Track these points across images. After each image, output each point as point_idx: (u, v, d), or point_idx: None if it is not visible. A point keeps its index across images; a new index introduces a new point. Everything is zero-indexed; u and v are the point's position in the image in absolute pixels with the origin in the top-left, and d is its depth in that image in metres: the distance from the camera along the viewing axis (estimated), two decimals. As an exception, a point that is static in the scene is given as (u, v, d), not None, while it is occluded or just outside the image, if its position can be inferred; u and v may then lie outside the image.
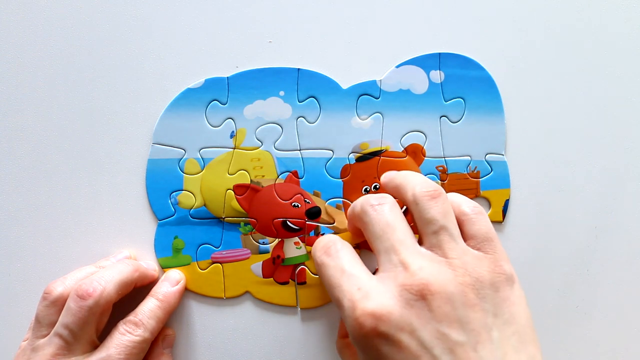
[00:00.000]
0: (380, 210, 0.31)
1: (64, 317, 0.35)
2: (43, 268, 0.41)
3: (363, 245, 0.41)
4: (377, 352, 0.28)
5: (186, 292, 0.41)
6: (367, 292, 0.29)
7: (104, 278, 0.36)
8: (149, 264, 0.41)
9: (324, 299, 0.41)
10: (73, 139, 0.41)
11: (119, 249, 0.41)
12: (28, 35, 0.41)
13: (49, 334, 0.36)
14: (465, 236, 0.32)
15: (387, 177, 0.36)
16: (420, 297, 0.28)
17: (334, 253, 0.32)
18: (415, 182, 0.32)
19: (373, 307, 0.28)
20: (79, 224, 0.41)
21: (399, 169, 0.41)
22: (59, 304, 0.36)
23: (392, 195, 0.34)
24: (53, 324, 0.36)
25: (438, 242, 0.30)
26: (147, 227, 0.41)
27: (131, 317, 0.37)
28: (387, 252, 0.30)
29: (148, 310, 0.38)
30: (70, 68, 0.41)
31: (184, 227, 0.41)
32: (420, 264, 0.29)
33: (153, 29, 0.41)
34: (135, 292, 0.39)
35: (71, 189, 0.41)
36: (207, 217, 0.41)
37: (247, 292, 0.41)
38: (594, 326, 0.43)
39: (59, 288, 0.37)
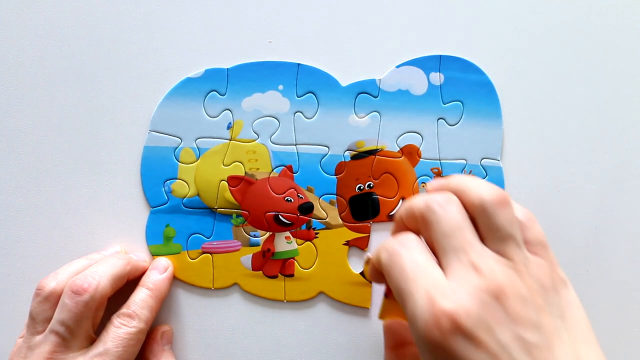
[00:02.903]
0: (449, 210, 0.31)
1: (60, 314, 0.36)
2: (42, 266, 0.43)
3: (353, 242, 0.42)
4: (451, 354, 0.28)
5: (176, 283, 0.42)
6: (444, 290, 0.29)
7: (97, 273, 0.37)
8: (139, 255, 0.42)
9: (310, 293, 0.42)
10: (72, 137, 0.43)
11: (113, 238, 0.43)
12: (28, 35, 0.42)
13: (44, 330, 0.37)
14: None
15: (438, 183, 0.35)
16: (495, 298, 0.28)
17: (410, 245, 0.32)
18: (480, 185, 0.32)
19: (451, 305, 0.28)
20: (77, 220, 0.43)
21: (393, 169, 0.42)
22: (52, 299, 0.37)
23: None
24: (48, 320, 0.37)
25: (504, 248, 0.31)
26: (140, 214, 0.42)
27: (124, 309, 0.38)
28: (456, 251, 0.30)
29: (140, 300, 0.39)
30: (69, 65, 0.43)
31: (176, 215, 0.42)
32: (491, 266, 0.29)
33: (153, 29, 0.43)
34: (125, 283, 0.40)
35: (70, 187, 0.43)
36: (200, 207, 0.42)
37: (235, 284, 0.42)
38: (594, 326, 0.43)
39: (51, 283, 0.37)
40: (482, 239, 0.31)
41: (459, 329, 0.27)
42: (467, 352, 0.27)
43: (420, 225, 0.33)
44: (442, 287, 0.29)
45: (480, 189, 0.32)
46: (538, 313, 0.29)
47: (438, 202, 0.32)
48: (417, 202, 0.33)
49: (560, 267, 0.32)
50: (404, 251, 0.32)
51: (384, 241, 0.34)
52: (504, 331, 0.28)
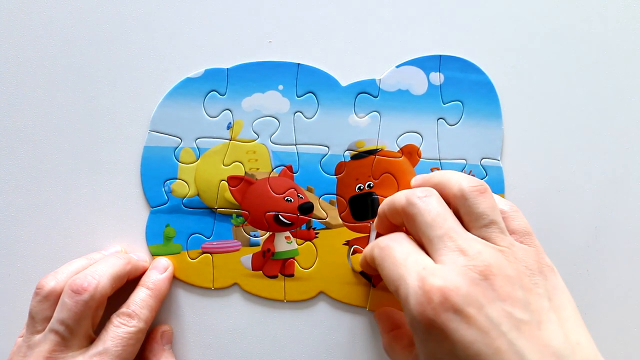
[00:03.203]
0: (428, 201, 0.33)
1: (60, 313, 0.36)
2: (42, 266, 0.43)
3: (353, 242, 0.42)
4: (443, 330, 0.29)
5: (176, 283, 0.42)
6: (433, 271, 0.30)
7: (97, 272, 0.37)
8: (140, 255, 0.42)
9: (310, 293, 0.42)
10: (72, 137, 0.43)
11: (113, 238, 0.43)
12: (28, 35, 0.42)
13: (43, 329, 0.37)
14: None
15: (420, 178, 0.38)
16: (484, 277, 0.29)
17: (400, 239, 0.34)
18: (460, 178, 0.34)
19: (441, 282, 0.29)
20: (77, 220, 0.43)
21: (393, 169, 0.42)
22: (51, 298, 0.37)
23: None
24: (47, 319, 0.37)
25: (488, 234, 0.32)
26: (140, 214, 0.42)
27: (124, 309, 0.38)
28: (442, 238, 0.31)
29: (140, 300, 0.39)
30: (69, 65, 0.43)
31: (176, 215, 0.42)
32: (477, 249, 0.31)
33: (153, 29, 0.43)
34: (125, 283, 0.40)
35: (70, 187, 0.43)
36: (200, 207, 0.42)
37: (235, 284, 0.42)
38: (594, 326, 0.43)
39: (51, 282, 0.38)
40: (467, 228, 0.33)
41: (450, 305, 0.28)
42: (458, 328, 0.28)
43: (404, 221, 0.34)
44: (431, 268, 0.30)
45: (460, 180, 0.34)
46: (525, 292, 0.30)
47: (418, 196, 0.33)
48: (398, 197, 0.35)
49: (547, 255, 0.33)
50: (393, 244, 0.34)
51: (376, 240, 0.36)
52: (493, 308, 0.28)
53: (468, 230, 0.32)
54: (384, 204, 0.36)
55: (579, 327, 0.31)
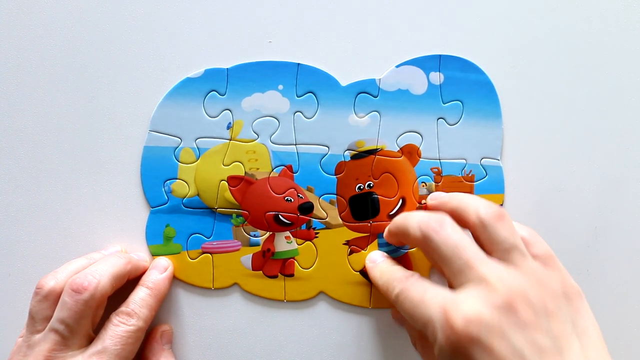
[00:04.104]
0: (444, 234, 0.33)
1: (60, 312, 0.36)
2: (42, 266, 0.43)
3: (353, 242, 0.42)
4: (467, 358, 0.29)
5: (176, 283, 0.42)
6: (455, 300, 0.30)
7: (97, 271, 0.37)
8: (140, 255, 0.42)
9: (310, 293, 0.42)
10: (72, 137, 0.43)
11: (113, 238, 0.43)
12: (28, 35, 0.43)
13: (43, 329, 0.37)
14: None
15: (436, 199, 0.38)
16: (506, 303, 0.29)
17: (412, 279, 0.34)
18: (478, 204, 0.34)
19: (464, 310, 0.29)
20: (77, 220, 0.43)
21: (393, 169, 0.42)
22: (51, 298, 0.37)
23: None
24: (47, 319, 0.37)
25: (510, 258, 0.32)
26: (140, 214, 0.42)
27: (123, 307, 0.38)
28: (462, 270, 0.31)
29: (139, 299, 0.39)
30: (69, 65, 0.43)
31: (176, 215, 0.42)
32: (499, 275, 0.31)
33: (153, 29, 0.43)
34: (125, 282, 0.40)
35: (70, 187, 0.43)
36: (200, 207, 0.42)
37: (235, 283, 0.42)
38: None
39: (50, 282, 0.38)
40: (488, 253, 0.32)
41: (473, 334, 0.28)
42: (482, 357, 0.28)
43: (423, 252, 0.35)
44: (454, 299, 0.30)
45: (477, 207, 0.34)
46: (548, 317, 0.30)
47: (432, 228, 0.33)
48: (412, 228, 0.35)
49: (573, 279, 0.33)
50: (407, 285, 0.34)
51: (390, 282, 0.36)
52: (516, 336, 0.28)
53: (490, 255, 0.32)
54: (397, 226, 0.37)
55: (602, 354, 0.30)
